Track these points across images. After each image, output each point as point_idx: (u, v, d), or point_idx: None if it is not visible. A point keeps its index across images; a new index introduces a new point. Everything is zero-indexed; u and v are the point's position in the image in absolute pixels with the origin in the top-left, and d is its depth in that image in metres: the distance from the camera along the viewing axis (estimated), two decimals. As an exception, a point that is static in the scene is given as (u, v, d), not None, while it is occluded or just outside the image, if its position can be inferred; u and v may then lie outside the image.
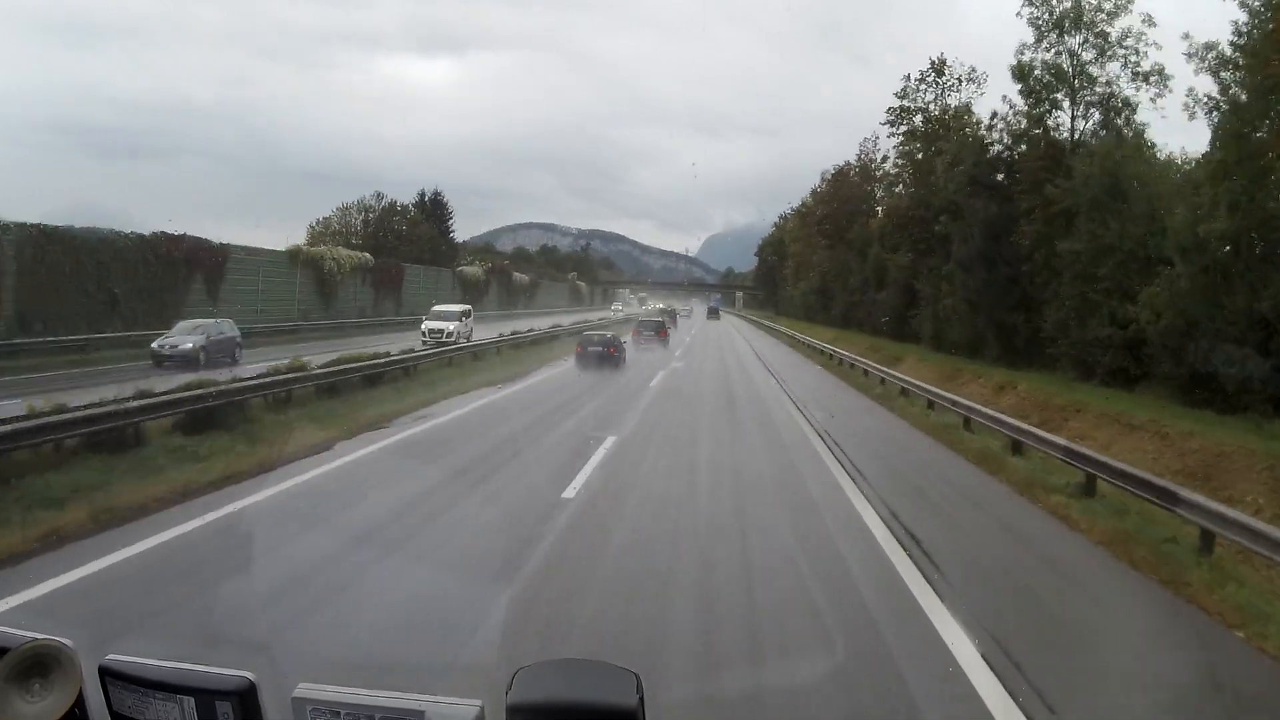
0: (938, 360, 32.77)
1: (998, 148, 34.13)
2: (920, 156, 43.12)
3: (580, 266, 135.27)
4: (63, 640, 1.34)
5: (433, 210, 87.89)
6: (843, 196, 65.66)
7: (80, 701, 1.34)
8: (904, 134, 44.71)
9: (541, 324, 46.41)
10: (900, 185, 49.99)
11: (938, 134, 41.84)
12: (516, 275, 72.97)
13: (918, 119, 43.54)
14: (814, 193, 77.54)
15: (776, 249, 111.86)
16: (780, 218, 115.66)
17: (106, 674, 1.38)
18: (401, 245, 71.92)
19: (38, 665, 1.32)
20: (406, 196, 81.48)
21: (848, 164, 64.70)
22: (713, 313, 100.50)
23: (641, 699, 1.26)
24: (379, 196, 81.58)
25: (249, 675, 1.35)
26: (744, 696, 4.97)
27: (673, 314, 76.33)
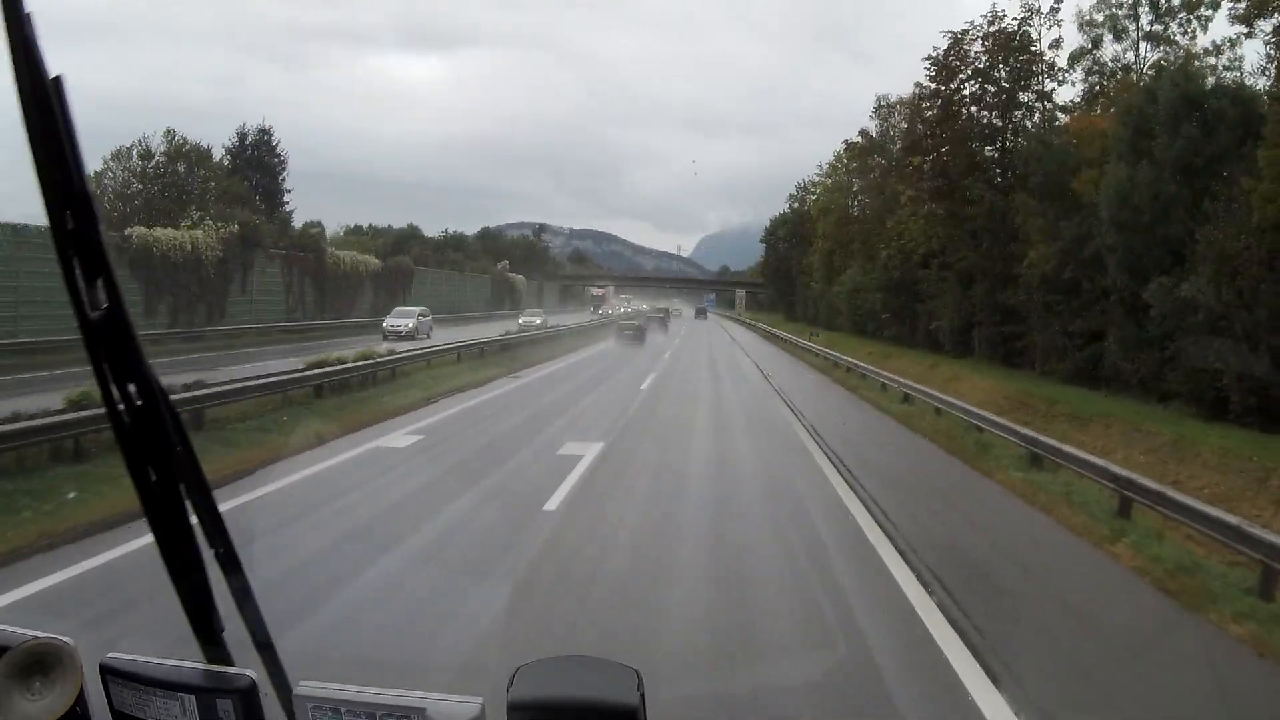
0: None
1: None
2: None
3: (532, 257, 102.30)
4: (63, 638, 1.32)
5: (255, 158, 55.74)
6: (953, 117, 32.73)
7: (81, 699, 1.32)
8: None
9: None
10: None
11: None
12: (343, 255, 40.23)
13: None
14: (859, 141, 45.11)
15: (794, 231, 79.75)
16: (797, 188, 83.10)
17: (107, 672, 1.36)
18: (205, 208, 40.64)
19: (38, 663, 1.31)
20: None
21: (969, 28, 31.71)
22: (700, 313, 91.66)
23: (642, 696, 1.24)
24: (170, 135, 49.61)
25: (250, 673, 1.32)
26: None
27: (665, 315, 63.75)
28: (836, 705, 4.31)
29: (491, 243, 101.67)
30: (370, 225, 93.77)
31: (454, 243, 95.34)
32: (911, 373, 26.59)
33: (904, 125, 43.62)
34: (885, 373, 21.34)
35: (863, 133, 43.77)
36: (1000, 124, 31.45)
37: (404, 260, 47.76)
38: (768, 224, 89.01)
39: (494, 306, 67.45)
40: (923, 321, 37.85)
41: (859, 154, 44.83)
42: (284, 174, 55.39)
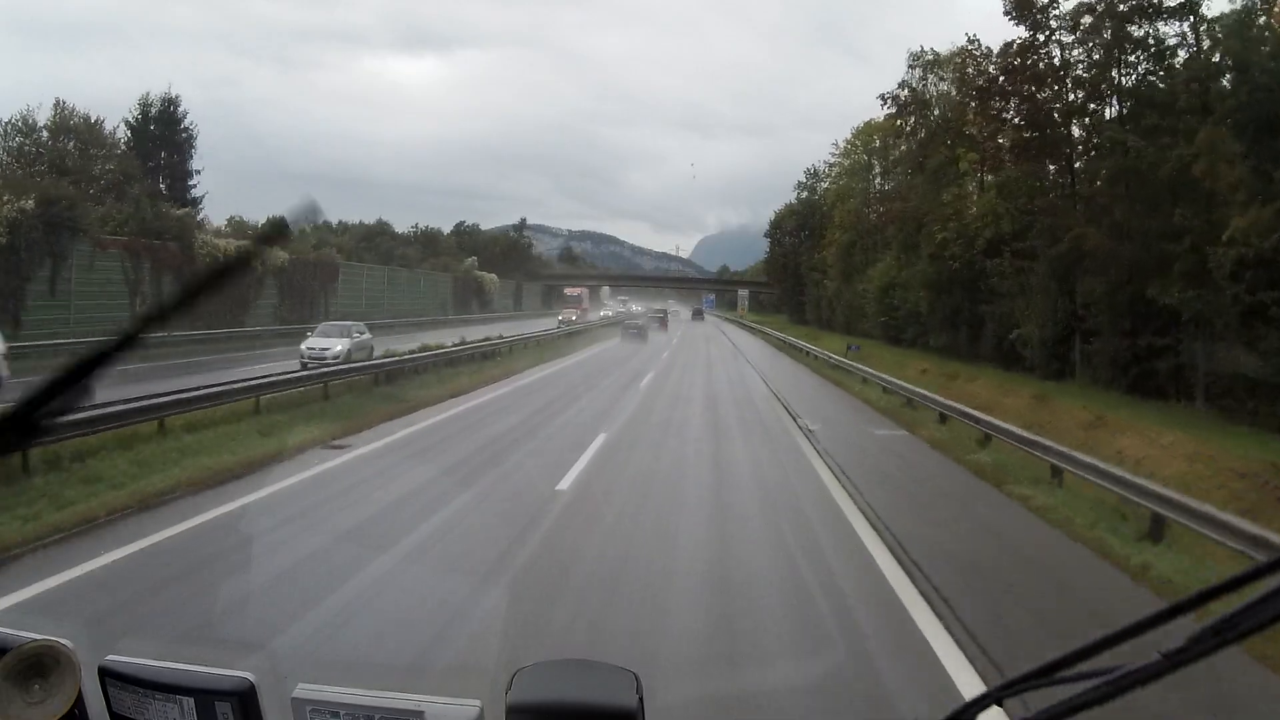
0: None
1: None
2: None
3: (513, 254, 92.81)
4: (62, 641, 1.31)
5: (161, 132, 46.61)
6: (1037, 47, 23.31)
7: (80, 702, 1.32)
8: None
9: None
10: None
11: None
12: (225, 244, 30.92)
13: None
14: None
15: (803, 223, 71.01)
16: (807, 175, 73.81)
17: (106, 674, 1.36)
18: (88, 196, 32.62)
19: (37, 666, 1.31)
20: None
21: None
22: (697, 314, 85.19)
23: (641, 699, 1.23)
24: (58, 107, 41.03)
25: (248, 676, 1.32)
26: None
27: (664, 315, 58.76)
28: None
29: (467, 238, 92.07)
30: (340, 221, 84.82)
31: (425, 239, 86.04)
32: (1011, 410, 17.22)
33: (950, 89, 34.43)
34: (1014, 428, 11.77)
35: (903, 85, 34.27)
36: (1117, 50, 21.98)
37: (325, 253, 38.17)
38: (769, 223, 79.83)
39: (459, 309, 57.98)
40: (990, 328, 28.46)
41: (892, 118, 35.11)
42: (192, 152, 46.30)
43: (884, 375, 19.26)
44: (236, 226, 59.06)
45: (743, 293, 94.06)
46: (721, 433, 13.18)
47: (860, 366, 21.75)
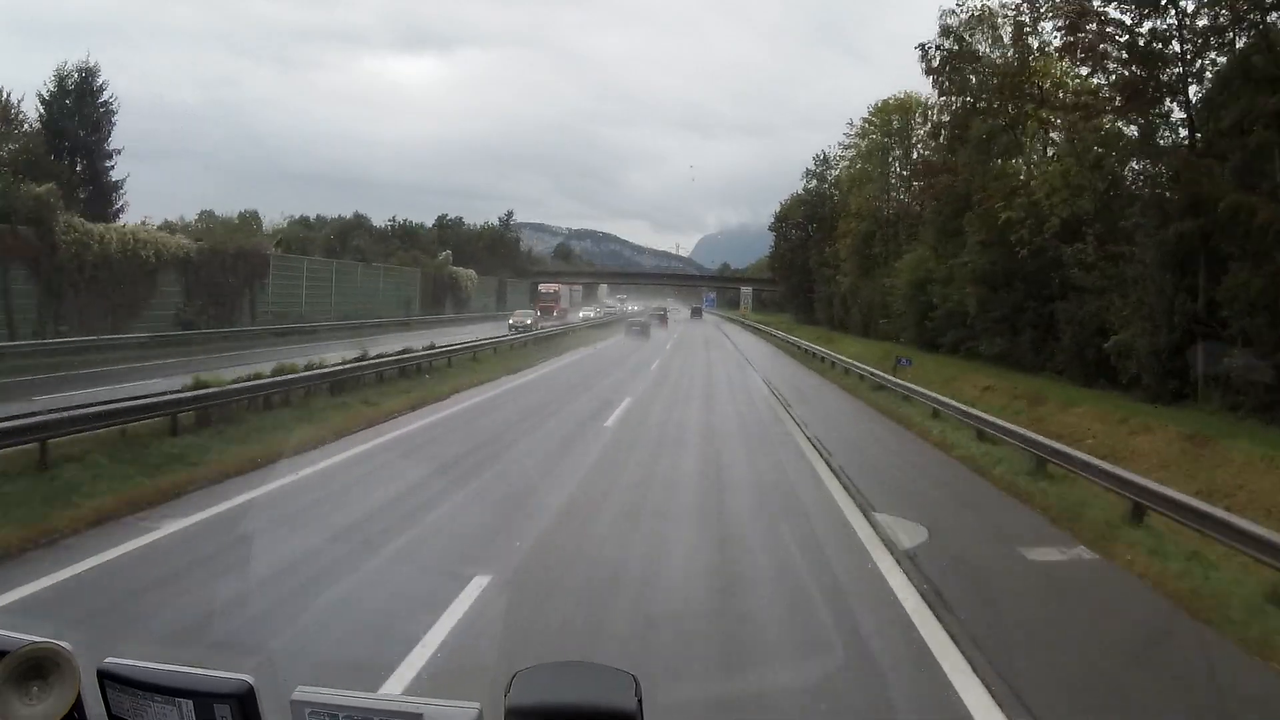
0: None
1: None
2: None
3: (499, 249, 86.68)
4: (61, 643, 1.29)
5: (77, 109, 40.46)
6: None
7: (79, 705, 1.31)
8: None
9: None
10: None
11: None
12: (100, 229, 24.83)
13: None
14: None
15: (812, 214, 65.19)
16: (816, 162, 67.33)
17: (105, 677, 1.34)
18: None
19: (36, 668, 1.29)
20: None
21: None
22: (696, 313, 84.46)
23: (640, 701, 1.21)
24: None
25: (247, 678, 1.30)
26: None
27: (664, 314, 58.98)
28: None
29: (449, 233, 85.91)
30: (318, 216, 79.29)
31: (403, 233, 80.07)
32: (1157, 458, 11.41)
33: (990, 51, 28.39)
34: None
35: (945, 32, 27.95)
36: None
37: (254, 242, 32.06)
38: (774, 215, 73.68)
39: (429, 308, 51.93)
40: (1067, 333, 22.38)
41: (935, 71, 28.78)
42: (111, 128, 40.17)
43: (966, 408, 13.18)
44: (205, 218, 52.87)
45: (745, 290, 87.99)
46: (732, 540, 7.13)
47: (919, 389, 15.67)
